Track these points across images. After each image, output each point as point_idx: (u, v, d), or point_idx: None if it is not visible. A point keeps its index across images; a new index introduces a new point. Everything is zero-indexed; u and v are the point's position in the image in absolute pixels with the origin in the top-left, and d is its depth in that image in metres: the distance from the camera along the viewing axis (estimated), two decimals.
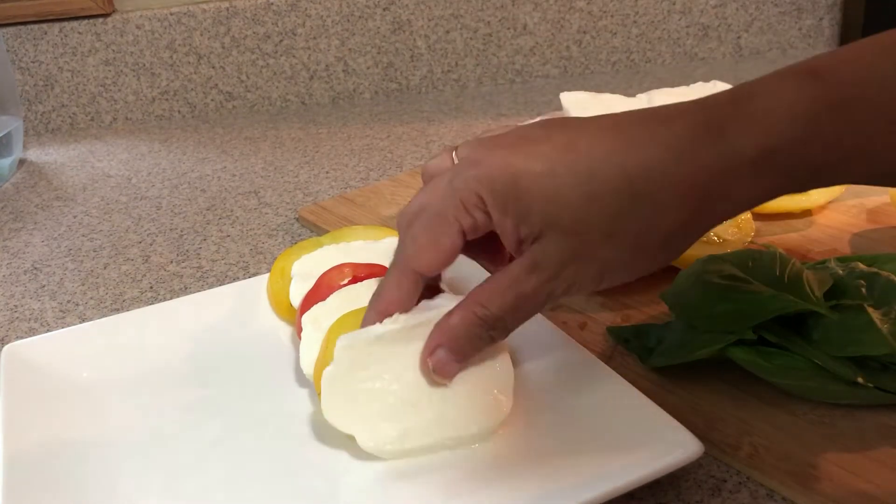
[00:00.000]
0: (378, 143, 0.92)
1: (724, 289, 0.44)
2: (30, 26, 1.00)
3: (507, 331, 0.38)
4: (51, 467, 0.40)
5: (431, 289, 0.42)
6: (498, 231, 0.36)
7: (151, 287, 0.63)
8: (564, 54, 1.10)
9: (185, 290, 0.62)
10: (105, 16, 1.02)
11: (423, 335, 0.39)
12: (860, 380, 0.40)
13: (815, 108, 0.32)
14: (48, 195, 0.85)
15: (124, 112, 1.06)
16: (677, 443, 0.37)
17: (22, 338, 0.52)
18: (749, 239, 0.55)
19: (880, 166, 0.34)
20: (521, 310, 0.37)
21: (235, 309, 0.52)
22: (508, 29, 1.08)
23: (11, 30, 1.00)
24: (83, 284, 0.65)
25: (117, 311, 0.60)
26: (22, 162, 0.96)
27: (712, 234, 0.54)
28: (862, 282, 0.44)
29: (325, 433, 0.41)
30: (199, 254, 0.68)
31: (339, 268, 0.50)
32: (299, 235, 0.70)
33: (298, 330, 0.47)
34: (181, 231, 0.73)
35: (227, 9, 1.03)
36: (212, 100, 1.07)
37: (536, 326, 0.47)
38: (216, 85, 1.07)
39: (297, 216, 0.74)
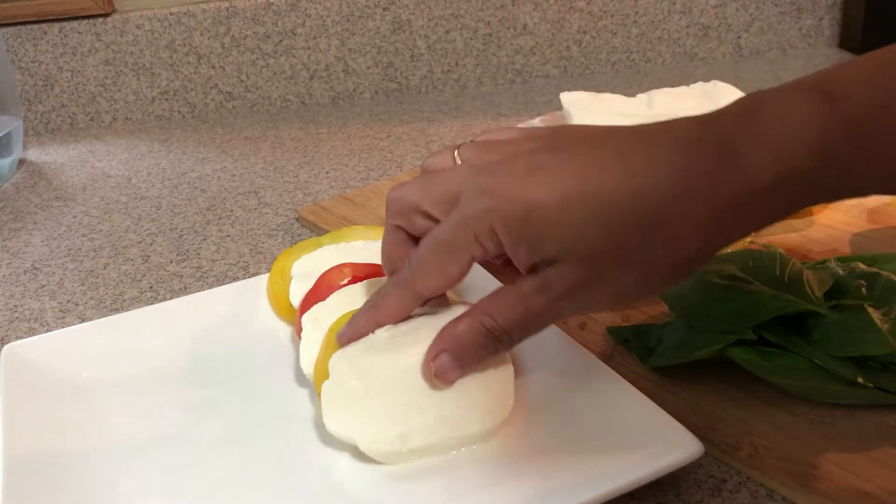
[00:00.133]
0: (378, 143, 0.92)
1: (724, 289, 0.44)
2: (30, 26, 1.00)
3: (511, 344, 0.38)
4: (51, 467, 0.40)
5: None
6: (509, 255, 0.36)
7: (151, 287, 0.63)
8: (564, 54, 1.10)
9: (185, 290, 0.62)
10: (105, 16, 1.02)
11: (417, 339, 0.40)
12: (860, 380, 0.40)
13: (829, 132, 0.32)
14: (48, 195, 0.85)
15: (124, 112, 1.06)
16: (677, 443, 0.37)
17: (22, 338, 0.52)
18: (749, 239, 0.55)
19: (893, 183, 0.34)
20: (527, 326, 0.37)
21: (235, 309, 0.52)
22: (508, 29, 1.08)
23: (11, 30, 1.00)
24: (83, 284, 0.65)
25: (117, 311, 0.60)
26: (22, 162, 0.96)
27: None
28: (862, 282, 0.44)
29: (326, 433, 0.41)
30: (199, 254, 0.68)
31: (339, 268, 0.50)
32: (299, 235, 0.70)
33: (298, 330, 0.47)
34: (181, 231, 0.73)
35: (227, 9, 1.03)
36: (212, 100, 1.07)
37: None
38: (216, 85, 1.07)
39: (297, 216, 0.74)
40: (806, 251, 0.57)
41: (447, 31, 1.08)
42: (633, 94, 0.74)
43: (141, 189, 0.84)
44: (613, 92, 0.75)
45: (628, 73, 1.11)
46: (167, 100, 1.06)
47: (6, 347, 0.47)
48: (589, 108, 0.71)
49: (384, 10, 1.06)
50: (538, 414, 0.41)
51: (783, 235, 0.59)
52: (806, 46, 1.14)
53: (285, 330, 0.51)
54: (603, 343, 0.49)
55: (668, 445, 0.37)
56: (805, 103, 0.32)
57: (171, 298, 0.59)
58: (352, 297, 0.46)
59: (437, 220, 0.38)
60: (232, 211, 0.76)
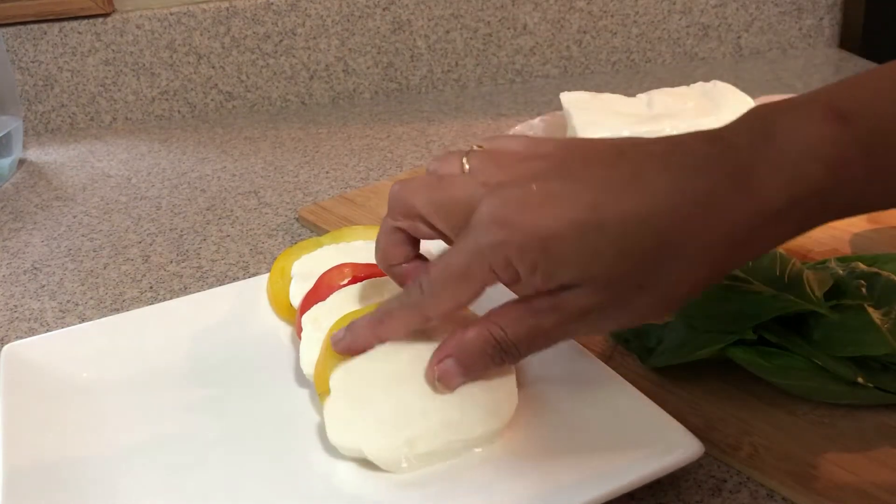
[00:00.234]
0: (378, 143, 0.92)
1: (724, 289, 0.44)
2: (30, 26, 1.00)
3: (518, 357, 0.38)
4: (51, 467, 0.40)
5: None
6: (524, 282, 0.36)
7: (151, 287, 0.63)
8: (564, 54, 1.10)
9: (185, 290, 0.62)
10: (105, 16, 1.02)
11: (418, 346, 0.40)
12: (860, 380, 0.40)
13: (843, 154, 0.32)
14: (48, 195, 0.85)
15: (124, 112, 1.06)
16: (677, 443, 0.37)
17: (22, 338, 0.52)
18: None
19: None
20: (535, 342, 0.37)
21: (235, 309, 0.52)
22: (508, 29, 1.08)
23: (11, 30, 1.00)
24: (83, 284, 0.65)
25: (117, 311, 0.60)
26: (22, 162, 0.96)
27: None
28: (862, 282, 0.44)
29: (326, 433, 0.41)
30: (199, 254, 0.68)
31: (339, 268, 0.50)
32: (299, 235, 0.70)
33: (298, 330, 0.47)
34: (181, 231, 0.73)
35: (227, 9, 1.03)
36: (212, 100, 1.07)
37: None
38: (216, 85, 1.07)
39: (297, 216, 0.74)
40: (806, 251, 0.57)
41: (447, 31, 1.08)
42: (633, 94, 0.74)
43: (141, 189, 0.84)
44: (613, 92, 0.75)
45: (628, 73, 1.11)
46: (167, 100, 1.06)
47: (6, 347, 0.47)
48: (589, 108, 0.71)
49: (384, 10, 1.06)
50: (538, 415, 0.41)
51: None
52: (806, 46, 1.14)
53: (285, 330, 0.51)
54: (603, 343, 0.49)
55: (668, 445, 0.37)
56: (818, 123, 0.32)
57: (171, 298, 0.59)
58: (352, 297, 0.46)
59: (438, 230, 0.38)
60: (232, 211, 0.76)
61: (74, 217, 0.79)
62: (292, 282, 0.51)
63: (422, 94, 1.10)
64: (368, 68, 1.08)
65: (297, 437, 0.42)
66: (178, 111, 1.07)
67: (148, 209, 0.79)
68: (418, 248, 0.42)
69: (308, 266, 0.52)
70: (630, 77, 1.09)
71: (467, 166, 0.38)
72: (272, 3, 1.03)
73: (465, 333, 0.38)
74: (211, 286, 0.61)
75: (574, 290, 0.35)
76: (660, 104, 0.70)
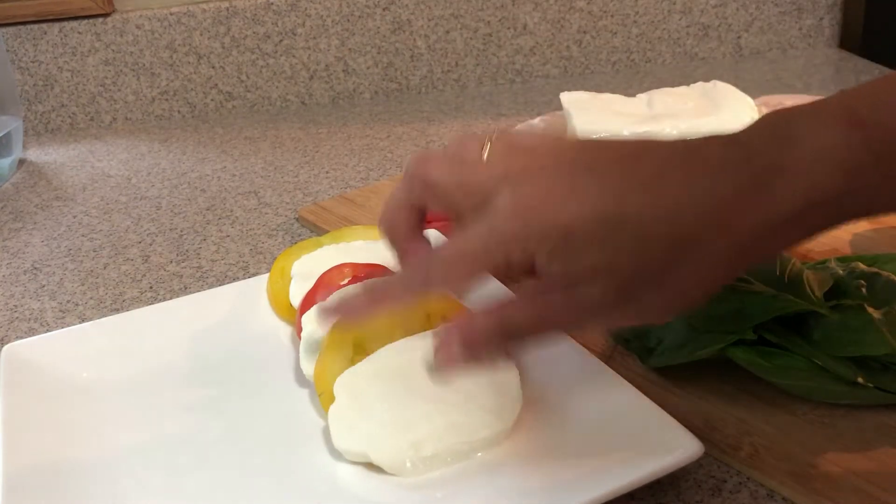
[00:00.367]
0: (378, 143, 0.92)
1: (724, 289, 0.44)
2: (30, 26, 1.00)
3: (521, 344, 0.38)
4: (51, 467, 0.40)
5: None
6: (539, 272, 0.35)
7: (151, 287, 0.63)
8: (564, 54, 1.10)
9: (185, 290, 0.62)
10: (105, 16, 1.02)
11: (418, 350, 0.41)
12: (860, 380, 0.40)
13: (858, 160, 0.32)
14: (48, 195, 0.85)
15: (124, 112, 1.06)
16: (677, 443, 0.37)
17: (22, 338, 0.52)
18: None
19: None
20: (543, 330, 0.37)
21: (235, 309, 0.52)
22: (508, 29, 1.08)
23: (11, 30, 1.00)
24: (83, 284, 0.65)
25: (117, 311, 0.60)
26: (22, 162, 0.96)
27: None
28: (862, 282, 0.44)
29: (326, 433, 0.41)
30: (199, 254, 0.68)
31: (339, 268, 0.50)
32: (299, 235, 0.70)
33: (298, 330, 0.48)
34: (181, 231, 0.73)
35: (227, 9, 1.03)
36: (212, 100, 1.07)
37: None
38: (216, 85, 1.07)
39: (297, 216, 0.74)
40: (806, 251, 0.57)
41: (447, 31, 1.08)
42: (633, 94, 0.74)
43: (141, 189, 0.84)
44: (613, 92, 0.75)
45: (628, 73, 1.11)
46: (167, 100, 1.06)
47: (6, 347, 0.47)
48: (589, 108, 0.71)
49: (384, 10, 1.06)
50: (539, 416, 0.41)
51: None
52: (806, 46, 1.14)
53: (285, 330, 0.51)
54: (603, 343, 0.49)
55: (668, 445, 0.37)
56: (836, 128, 0.32)
57: (171, 298, 0.59)
58: None
59: (451, 209, 0.38)
60: (232, 211, 0.76)
61: (74, 217, 0.79)
62: (292, 282, 0.51)
63: (422, 94, 1.10)
64: (368, 68, 1.08)
65: (298, 438, 0.42)
66: (178, 111, 1.07)
67: (148, 209, 0.79)
68: (423, 226, 0.41)
69: (308, 266, 0.52)
70: (630, 77, 1.09)
71: (487, 152, 0.37)
72: (272, 3, 1.03)
73: (473, 319, 0.37)
74: (211, 286, 0.61)
75: (588, 284, 0.34)
76: (660, 104, 0.70)
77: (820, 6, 1.12)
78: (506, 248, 0.35)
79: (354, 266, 0.50)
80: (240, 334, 0.51)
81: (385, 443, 0.38)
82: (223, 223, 0.74)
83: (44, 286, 0.65)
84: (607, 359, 0.47)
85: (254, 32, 1.04)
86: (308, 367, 0.44)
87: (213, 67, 1.05)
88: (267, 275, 0.54)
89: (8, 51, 1.00)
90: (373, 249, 0.53)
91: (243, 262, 0.66)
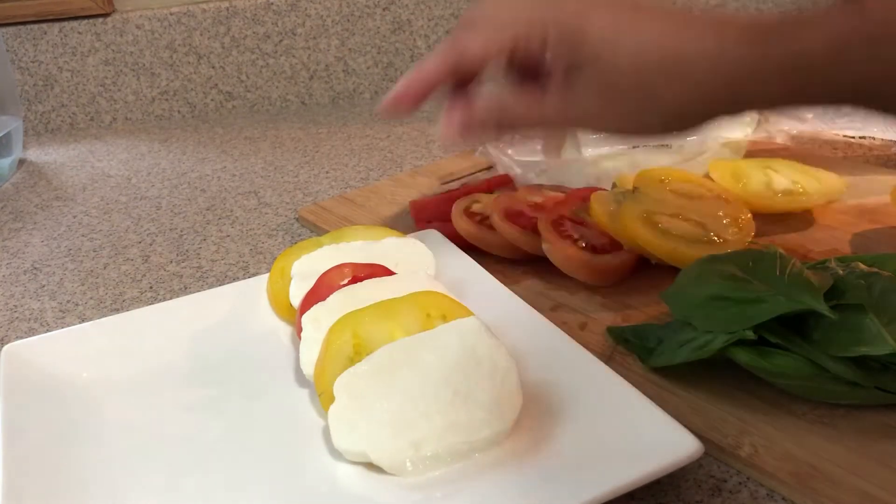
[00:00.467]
0: (378, 143, 0.92)
1: (724, 289, 0.44)
2: (30, 26, 1.00)
3: (511, 124, 0.43)
4: (51, 467, 0.40)
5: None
6: (550, 52, 0.41)
7: (151, 287, 0.63)
8: None
9: (185, 290, 0.62)
10: (105, 16, 1.02)
11: (417, 349, 0.41)
12: (860, 380, 0.40)
13: (850, 38, 0.35)
14: (48, 195, 0.85)
15: (124, 112, 1.06)
16: (677, 443, 0.37)
17: (22, 338, 0.52)
18: (749, 239, 0.55)
19: None
20: (534, 122, 0.43)
21: (235, 309, 0.52)
22: None
23: (11, 30, 1.00)
24: (83, 284, 0.65)
25: (117, 311, 0.60)
26: (22, 162, 0.96)
27: (712, 234, 0.54)
28: (862, 282, 0.44)
29: (326, 433, 0.41)
30: (199, 254, 0.68)
31: (339, 268, 0.50)
32: (299, 235, 0.70)
33: (298, 330, 0.48)
34: (181, 231, 0.73)
35: (227, 9, 1.03)
36: (212, 100, 1.07)
37: (537, 327, 0.47)
38: (216, 85, 1.07)
39: (297, 216, 0.74)
40: (806, 251, 0.57)
41: (447, 31, 1.08)
42: None
43: (141, 189, 0.84)
44: None
45: None
46: (167, 100, 1.06)
47: (6, 347, 0.47)
48: None
49: (384, 10, 1.06)
50: (539, 416, 0.41)
51: (783, 235, 0.59)
52: None
53: (285, 330, 0.51)
54: (603, 343, 0.49)
55: (668, 445, 0.37)
56: (839, 10, 0.36)
57: (171, 298, 0.59)
58: (352, 297, 0.46)
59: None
60: (232, 211, 0.76)
61: (74, 217, 0.79)
62: (292, 282, 0.51)
63: None
64: (368, 68, 1.08)
65: (298, 438, 0.42)
66: (178, 111, 1.07)
67: (148, 209, 0.79)
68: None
69: (308, 266, 0.52)
70: None
71: None
72: (272, 3, 1.03)
73: (476, 100, 0.43)
74: (211, 286, 0.61)
75: (585, 71, 0.40)
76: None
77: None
78: (528, 20, 0.41)
79: (354, 266, 0.50)
80: (240, 334, 0.51)
81: (385, 443, 0.38)
82: (223, 223, 0.74)
83: (44, 286, 0.65)
84: (607, 359, 0.47)
85: (254, 32, 1.04)
86: (308, 367, 0.44)
87: (213, 67, 1.05)
88: (267, 275, 0.54)
89: (8, 51, 1.00)
90: (373, 249, 0.53)
91: (243, 262, 0.66)
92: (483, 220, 0.59)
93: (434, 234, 0.58)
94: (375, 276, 0.48)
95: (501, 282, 0.51)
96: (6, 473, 0.38)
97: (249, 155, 0.92)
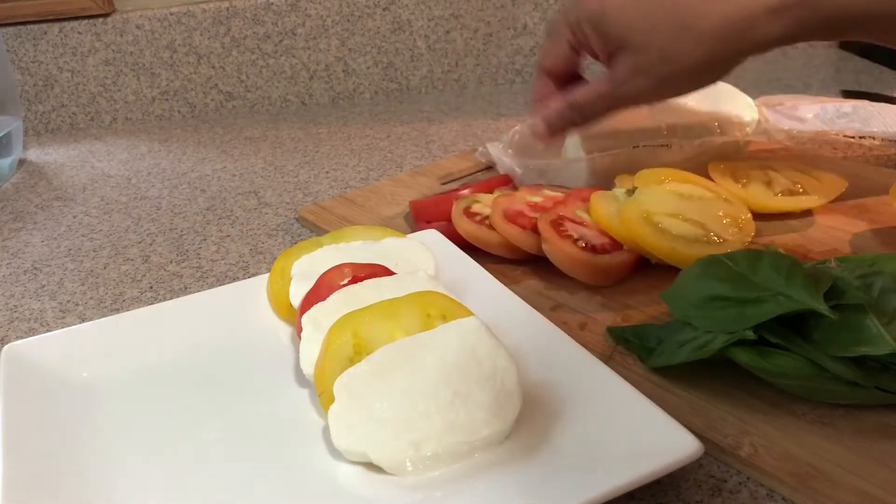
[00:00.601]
0: (378, 143, 0.92)
1: (724, 289, 0.44)
2: (30, 26, 1.00)
3: (586, 119, 0.54)
4: (51, 467, 0.40)
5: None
6: (593, 46, 0.52)
7: (151, 287, 0.63)
8: None
9: (185, 290, 0.62)
10: (105, 16, 1.02)
11: (417, 349, 0.41)
12: (860, 380, 0.40)
13: None
14: (48, 195, 0.85)
15: (124, 112, 1.06)
16: (677, 443, 0.37)
17: (22, 338, 0.52)
18: (749, 239, 0.55)
19: (886, 25, 0.45)
20: (598, 105, 0.53)
21: (235, 309, 0.52)
22: (508, 29, 1.08)
23: (11, 30, 1.00)
24: (83, 284, 0.65)
25: (117, 311, 0.60)
26: (22, 162, 0.96)
27: (712, 234, 0.54)
28: (862, 282, 0.44)
29: (326, 433, 0.41)
30: (199, 254, 0.68)
31: (339, 268, 0.50)
32: (299, 235, 0.70)
33: (298, 330, 0.48)
34: (181, 231, 0.73)
35: (227, 9, 1.03)
36: (212, 100, 1.07)
37: (537, 327, 0.47)
38: (216, 85, 1.07)
39: (297, 216, 0.74)
40: (806, 251, 0.57)
41: (447, 31, 1.08)
42: None
43: (141, 189, 0.84)
44: None
45: None
46: (167, 100, 1.06)
47: (6, 347, 0.47)
48: None
49: (384, 10, 1.06)
50: (539, 416, 0.41)
51: (783, 235, 0.59)
52: (806, 46, 1.14)
53: (285, 330, 0.51)
54: (603, 343, 0.49)
55: (668, 445, 0.37)
56: None
57: (171, 298, 0.59)
58: (352, 297, 0.46)
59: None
60: (232, 211, 0.76)
61: (74, 217, 0.79)
62: (292, 282, 0.51)
63: (422, 94, 1.10)
64: (368, 68, 1.08)
65: (298, 438, 0.42)
66: (178, 111, 1.07)
67: (148, 209, 0.79)
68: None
69: (308, 266, 0.52)
70: None
71: None
72: (272, 3, 1.03)
73: (550, 104, 0.55)
74: (211, 286, 0.61)
75: (621, 55, 0.50)
76: (659, 104, 0.70)
77: None
78: (567, 21, 0.52)
79: (354, 266, 0.50)
80: (240, 334, 0.51)
81: (385, 443, 0.38)
82: (223, 223, 0.74)
83: (44, 286, 0.65)
84: (607, 359, 0.47)
85: (254, 32, 1.04)
86: (308, 367, 0.44)
87: (213, 67, 1.06)
88: (267, 275, 0.54)
89: (8, 51, 1.00)
90: (373, 249, 0.53)
91: (243, 262, 0.66)
92: (483, 220, 0.59)
93: (434, 234, 0.58)
94: (375, 276, 0.48)
95: (501, 282, 0.51)
96: (6, 473, 0.38)
97: (249, 155, 0.92)
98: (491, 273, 0.52)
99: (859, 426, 0.40)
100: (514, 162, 0.68)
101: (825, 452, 0.39)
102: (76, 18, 1.01)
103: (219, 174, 0.87)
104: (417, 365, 0.41)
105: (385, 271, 0.50)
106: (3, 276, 0.67)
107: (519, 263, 0.58)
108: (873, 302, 0.42)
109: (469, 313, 0.44)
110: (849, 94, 0.89)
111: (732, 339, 0.42)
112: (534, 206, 0.59)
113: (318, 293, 0.48)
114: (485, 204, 0.61)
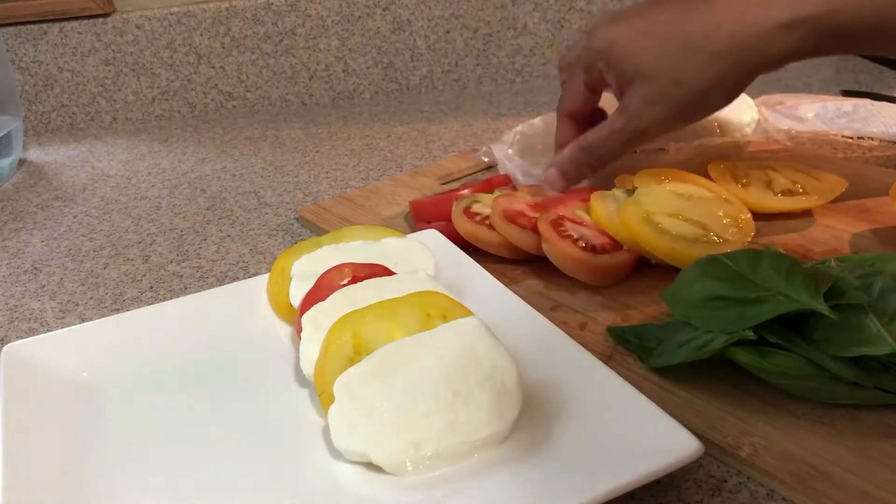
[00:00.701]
0: (378, 143, 0.92)
1: (724, 289, 0.44)
2: (30, 26, 1.00)
3: (602, 160, 0.53)
4: (51, 467, 0.40)
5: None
6: (608, 82, 0.52)
7: (151, 287, 0.63)
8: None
9: (185, 290, 0.62)
10: (105, 16, 1.02)
11: (417, 350, 0.41)
12: (860, 380, 0.40)
13: None
14: (48, 195, 0.85)
15: (124, 112, 1.06)
16: (677, 443, 0.37)
17: (22, 338, 0.52)
18: (749, 239, 0.55)
19: (895, 39, 0.45)
20: (611, 142, 0.52)
21: (235, 309, 0.52)
22: (508, 29, 1.08)
23: (11, 30, 1.00)
24: (83, 284, 0.65)
25: (117, 311, 0.60)
26: (22, 162, 0.96)
27: (712, 234, 0.54)
28: (862, 282, 0.44)
29: (326, 433, 0.41)
30: (199, 254, 0.68)
31: (339, 268, 0.50)
32: (299, 235, 0.70)
33: (298, 330, 0.48)
34: (181, 231, 0.73)
35: (227, 9, 1.03)
36: (212, 100, 1.07)
37: (537, 327, 0.47)
38: (216, 85, 1.07)
39: (297, 216, 0.74)
40: (806, 251, 0.57)
41: (447, 31, 1.08)
42: None
43: (141, 189, 0.84)
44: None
45: None
46: (167, 100, 1.06)
47: (6, 347, 0.47)
48: None
49: (384, 10, 1.06)
50: (539, 416, 0.41)
51: (783, 235, 0.59)
52: None
53: (285, 330, 0.51)
54: (603, 343, 0.49)
55: (668, 445, 0.37)
56: None
57: (171, 298, 0.59)
58: (352, 297, 0.46)
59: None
60: (232, 211, 0.76)
61: (74, 217, 0.79)
62: (292, 282, 0.51)
63: (422, 94, 1.10)
64: (368, 68, 1.08)
65: (298, 438, 0.42)
66: (178, 111, 1.07)
67: (148, 209, 0.79)
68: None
69: (308, 266, 0.52)
70: None
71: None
72: (272, 3, 1.03)
73: (563, 150, 0.54)
74: (211, 286, 0.61)
75: (633, 87, 0.49)
76: None
77: None
78: (580, 58, 0.53)
79: (354, 266, 0.50)
80: (240, 334, 0.51)
81: (385, 443, 0.38)
82: (223, 223, 0.74)
83: (44, 286, 0.65)
84: (607, 359, 0.47)
85: (254, 32, 1.04)
86: (308, 367, 0.44)
87: (213, 67, 1.06)
88: (267, 275, 0.54)
89: (8, 51, 1.00)
90: (373, 249, 0.53)
91: (243, 262, 0.66)
92: (483, 220, 0.59)
93: (434, 234, 0.58)
94: (375, 276, 0.48)
95: (501, 282, 0.51)
96: (6, 473, 0.38)
97: (249, 155, 0.92)
98: (491, 273, 0.52)
99: (859, 426, 0.40)
100: (517, 169, 0.68)
101: (825, 452, 0.39)
102: (76, 18, 1.01)
103: (219, 174, 0.87)
104: (417, 365, 0.41)
105: (385, 271, 0.50)
106: (3, 276, 0.67)
107: (519, 263, 0.58)
108: (873, 302, 0.42)
109: (469, 313, 0.44)
110: (849, 94, 0.88)
111: (732, 339, 0.42)
112: (534, 206, 0.59)
113: (318, 293, 0.48)
114: (485, 204, 0.61)
